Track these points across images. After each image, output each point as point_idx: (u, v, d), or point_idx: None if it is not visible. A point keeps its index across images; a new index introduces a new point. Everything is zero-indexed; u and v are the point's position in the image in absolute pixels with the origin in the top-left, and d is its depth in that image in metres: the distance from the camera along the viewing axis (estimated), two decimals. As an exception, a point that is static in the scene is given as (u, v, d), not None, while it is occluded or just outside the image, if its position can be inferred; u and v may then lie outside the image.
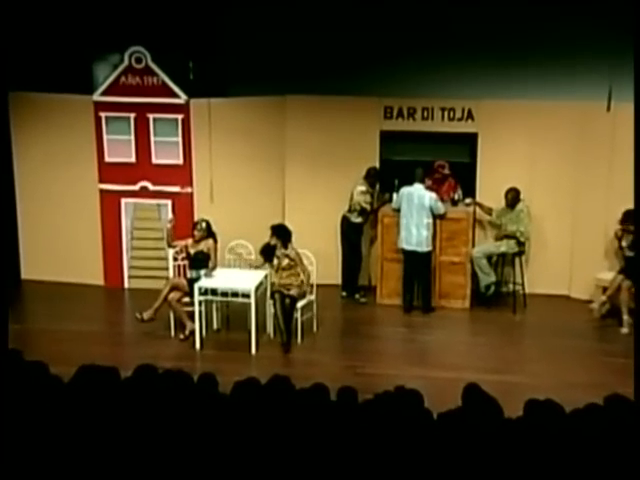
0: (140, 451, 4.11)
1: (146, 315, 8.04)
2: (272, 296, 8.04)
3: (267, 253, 8.17)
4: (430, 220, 8.78)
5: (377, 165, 9.29)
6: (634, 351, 6.71)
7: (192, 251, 8.31)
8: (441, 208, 8.83)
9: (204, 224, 8.32)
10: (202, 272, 8.19)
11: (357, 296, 9.27)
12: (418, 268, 8.88)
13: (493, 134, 9.18)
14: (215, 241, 8.34)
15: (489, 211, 9.10)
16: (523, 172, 9.10)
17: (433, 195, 8.79)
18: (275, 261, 8.12)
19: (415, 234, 8.79)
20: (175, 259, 8.59)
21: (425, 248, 8.81)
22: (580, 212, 9.12)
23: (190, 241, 8.35)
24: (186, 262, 8.45)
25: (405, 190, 8.87)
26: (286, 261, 8.09)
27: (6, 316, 6.13)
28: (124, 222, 9.61)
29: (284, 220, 9.21)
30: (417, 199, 8.76)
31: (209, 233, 8.32)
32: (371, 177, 9.09)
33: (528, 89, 9.00)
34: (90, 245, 9.67)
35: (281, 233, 8.11)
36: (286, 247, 8.10)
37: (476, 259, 8.93)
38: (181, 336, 8.12)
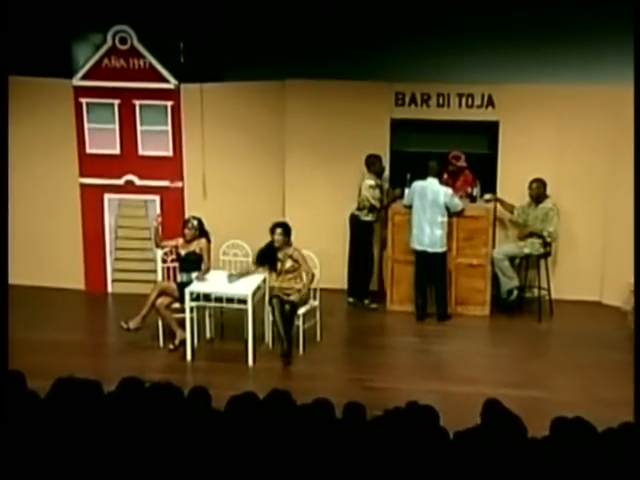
0: (125, 473, 4.10)
1: (132, 324, 8.05)
2: (270, 302, 8.05)
3: (267, 257, 8.11)
4: (445, 218, 8.78)
5: (386, 157, 9.30)
6: (634, 351, 6.81)
7: (183, 252, 8.31)
8: (458, 204, 8.83)
9: (196, 222, 8.32)
10: (194, 275, 8.19)
11: (366, 302, 9.27)
12: (432, 271, 8.88)
13: (516, 122, 9.17)
14: (208, 241, 8.35)
15: (511, 209, 9.10)
16: (550, 165, 9.09)
17: (449, 190, 8.79)
18: (278, 265, 8.10)
19: (428, 233, 8.79)
20: (164, 261, 8.60)
21: (439, 249, 8.81)
22: (613, 209, 9.11)
23: (180, 241, 8.36)
24: (176, 264, 8.45)
25: (417, 185, 8.87)
26: (289, 263, 8.09)
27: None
28: (107, 220, 9.62)
29: (284, 217, 9.21)
30: (431, 195, 8.76)
31: (201, 232, 8.33)
32: (374, 167, 9.07)
33: (555, 72, 8.99)
34: (69, 246, 9.68)
35: (288, 230, 8.09)
36: (289, 246, 8.08)
37: (497, 261, 8.92)
38: (170, 346, 8.13)
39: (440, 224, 8.77)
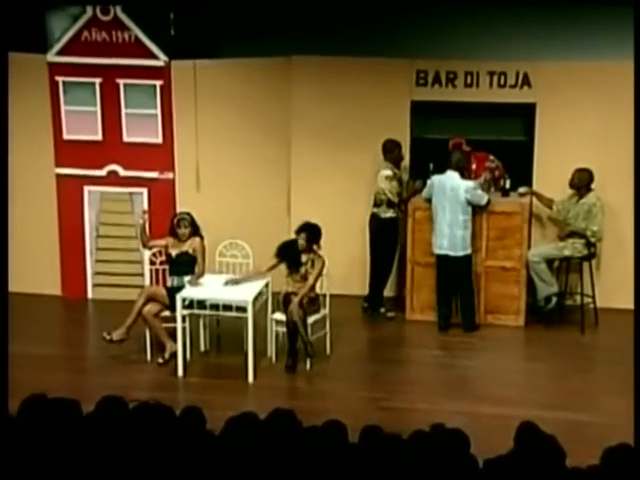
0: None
1: (116, 335, 8.04)
2: (285, 304, 8.00)
3: (289, 254, 8.09)
4: (468, 217, 8.74)
5: (406, 145, 9.29)
6: (634, 352, 6.90)
7: (174, 253, 8.30)
8: (482, 197, 8.77)
9: (188, 217, 8.32)
10: (186, 279, 8.19)
11: (382, 310, 9.26)
12: (454, 277, 8.85)
13: (555, 105, 9.15)
14: (202, 239, 8.34)
15: (550, 203, 9.06)
16: (594, 154, 9.06)
17: (470, 184, 8.73)
18: (302, 269, 8.09)
19: (448, 234, 8.76)
20: (152, 263, 8.60)
21: (460, 252, 8.78)
22: (666, 204, 9.07)
23: (171, 240, 8.35)
24: (166, 267, 8.45)
25: (436, 179, 8.85)
26: (309, 269, 8.09)
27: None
28: (87, 216, 9.64)
29: (289, 213, 9.21)
30: (450, 191, 8.73)
31: (194, 230, 8.32)
32: (391, 154, 9.05)
33: (601, 47, 8.94)
34: (44, 245, 9.70)
35: (314, 232, 8.06)
36: (312, 251, 8.08)
37: (533, 264, 8.89)
38: (159, 360, 8.13)
39: (462, 223, 8.72)
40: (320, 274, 8.11)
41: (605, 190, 8.97)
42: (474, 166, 9.20)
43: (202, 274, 8.28)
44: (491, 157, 9.26)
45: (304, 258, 8.11)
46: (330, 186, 9.53)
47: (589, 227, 8.84)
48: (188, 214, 8.38)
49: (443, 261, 8.86)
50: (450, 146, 9.15)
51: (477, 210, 8.81)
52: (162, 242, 8.42)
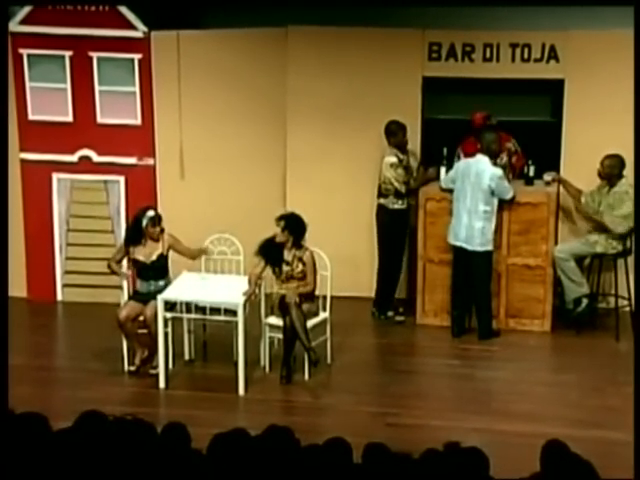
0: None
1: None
2: (282, 308, 7.97)
3: (272, 253, 8.10)
4: (490, 208, 8.73)
5: (417, 126, 9.31)
6: (634, 353, 6.97)
7: (145, 259, 8.14)
8: (508, 190, 8.77)
9: (157, 213, 8.23)
10: (162, 283, 8.19)
11: (390, 314, 9.29)
12: (469, 275, 8.87)
13: (586, 81, 9.16)
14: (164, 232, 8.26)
15: (577, 194, 9.05)
16: (629, 136, 9.05)
17: (497, 172, 8.74)
18: (285, 267, 8.11)
19: (465, 224, 8.76)
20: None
21: (478, 247, 8.77)
22: None
23: (139, 247, 8.24)
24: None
25: (462, 163, 8.88)
26: (300, 267, 8.09)
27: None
28: (56, 207, 9.65)
29: (285, 203, 9.20)
30: (474, 176, 8.74)
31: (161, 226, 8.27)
32: (395, 137, 9.04)
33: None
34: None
35: (296, 226, 8.08)
36: (299, 247, 8.09)
37: (560, 261, 8.89)
38: (130, 367, 8.16)
39: (483, 214, 8.72)
40: (315, 267, 8.11)
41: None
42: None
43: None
44: (513, 140, 9.27)
45: (288, 255, 8.09)
46: (331, 172, 9.53)
47: (614, 214, 8.80)
48: (154, 209, 8.34)
49: (459, 255, 8.87)
50: (475, 122, 9.14)
51: (500, 203, 8.80)
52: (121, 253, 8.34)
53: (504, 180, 8.80)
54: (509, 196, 8.81)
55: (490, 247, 8.82)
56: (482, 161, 8.76)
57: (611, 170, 8.82)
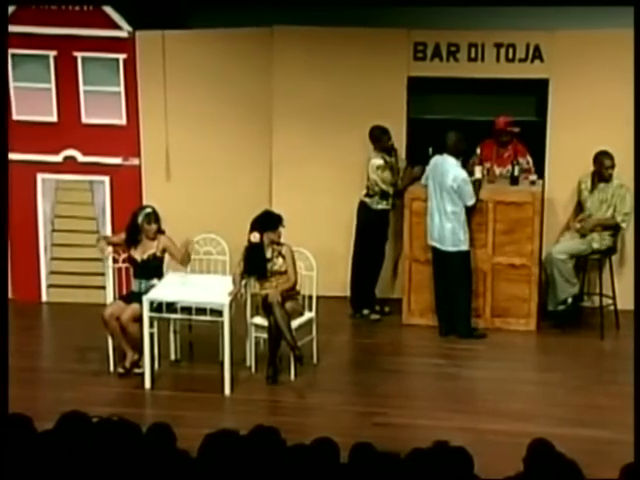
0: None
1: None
2: (266, 308, 7.98)
3: (257, 263, 8.07)
4: (457, 209, 8.68)
5: (403, 126, 9.32)
6: (634, 354, 7.08)
7: (138, 257, 8.17)
8: (469, 197, 8.67)
9: (155, 211, 8.24)
10: (154, 281, 8.19)
11: (366, 312, 9.29)
12: (445, 274, 8.87)
13: (572, 80, 9.17)
14: (164, 234, 8.29)
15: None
16: (615, 135, 9.06)
17: (461, 174, 8.64)
18: (268, 266, 8.10)
19: (437, 224, 8.76)
20: (115, 260, 8.57)
21: (450, 247, 8.74)
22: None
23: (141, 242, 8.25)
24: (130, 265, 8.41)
25: (433, 160, 8.86)
26: (280, 261, 8.09)
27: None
28: (41, 207, 9.62)
29: (270, 204, 9.19)
30: (439, 176, 8.71)
31: (159, 225, 8.25)
32: (379, 142, 9.05)
33: (623, 15, 8.93)
34: (-8, 241, 9.67)
35: (266, 223, 8.08)
36: (278, 243, 8.08)
37: (559, 262, 8.83)
38: (120, 370, 8.14)
39: (451, 215, 8.68)
40: (295, 261, 8.11)
41: (628, 174, 8.97)
42: (507, 154, 9.21)
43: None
44: (528, 157, 9.23)
45: (268, 253, 8.09)
46: (317, 173, 9.52)
47: (619, 211, 8.82)
48: (153, 207, 8.34)
49: (436, 255, 8.88)
50: (497, 125, 9.14)
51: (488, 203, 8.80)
52: (116, 239, 8.36)
53: (468, 184, 8.70)
54: (470, 202, 8.71)
55: (464, 247, 8.79)
56: (447, 161, 8.72)
57: (613, 167, 8.81)
